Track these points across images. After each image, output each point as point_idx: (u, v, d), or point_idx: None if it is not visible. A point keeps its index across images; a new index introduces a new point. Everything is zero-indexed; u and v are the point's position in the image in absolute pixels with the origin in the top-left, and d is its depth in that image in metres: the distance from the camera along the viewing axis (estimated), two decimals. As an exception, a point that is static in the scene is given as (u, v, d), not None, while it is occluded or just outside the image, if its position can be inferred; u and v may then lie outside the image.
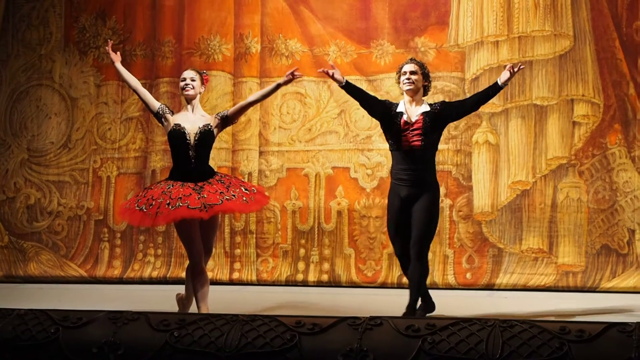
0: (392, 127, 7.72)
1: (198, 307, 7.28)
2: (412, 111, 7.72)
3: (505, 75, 7.60)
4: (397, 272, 9.99)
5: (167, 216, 7.26)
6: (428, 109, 7.73)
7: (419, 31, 10.22)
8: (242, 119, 10.58)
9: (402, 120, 7.68)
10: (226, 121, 7.62)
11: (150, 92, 10.57)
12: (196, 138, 7.42)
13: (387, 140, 7.88)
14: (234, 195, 7.36)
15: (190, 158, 7.43)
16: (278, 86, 7.72)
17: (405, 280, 9.76)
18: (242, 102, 7.76)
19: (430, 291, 8.12)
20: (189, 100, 7.57)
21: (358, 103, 8.00)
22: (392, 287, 9.98)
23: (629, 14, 9.62)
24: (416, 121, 7.66)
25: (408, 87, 7.72)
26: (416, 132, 7.64)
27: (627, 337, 4.23)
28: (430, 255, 9.76)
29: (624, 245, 9.51)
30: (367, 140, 10.29)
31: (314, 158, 10.44)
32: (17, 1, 11.47)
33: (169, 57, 10.93)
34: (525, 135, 9.80)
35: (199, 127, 7.44)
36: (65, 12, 11.34)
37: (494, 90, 7.69)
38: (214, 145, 7.68)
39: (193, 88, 7.56)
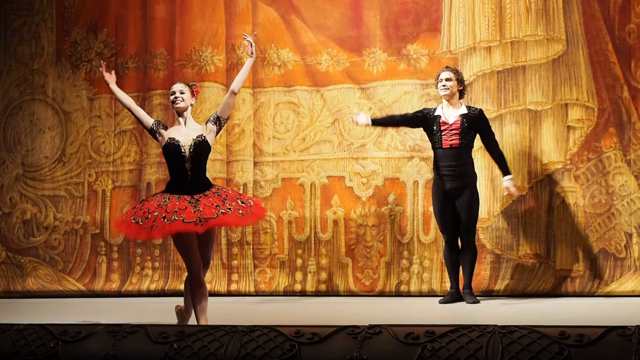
0: (433, 128, 8.99)
1: (197, 320, 7.27)
2: (449, 113, 9.01)
3: (510, 188, 9.05)
4: (394, 280, 9.98)
5: (162, 230, 7.25)
6: (466, 111, 9.02)
7: (411, 38, 10.21)
8: (236, 129, 10.59)
9: (441, 122, 8.96)
10: (219, 121, 7.59)
11: (144, 105, 10.69)
12: (191, 150, 7.40)
13: (429, 139, 9.12)
14: (229, 209, 7.33)
15: (187, 170, 7.41)
16: (248, 62, 7.75)
17: (403, 288, 9.87)
18: (225, 96, 7.72)
19: (428, 298, 8.17)
20: (180, 113, 7.55)
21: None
22: (390, 295, 9.96)
23: (621, 17, 9.61)
24: (454, 122, 8.93)
25: (444, 92, 9.04)
26: (454, 132, 8.92)
27: (627, 341, 4.23)
28: (427, 263, 9.83)
29: (622, 249, 9.50)
30: (362, 149, 10.27)
31: (309, 167, 10.43)
32: (9, 16, 11.47)
33: (161, 69, 10.93)
34: (520, 140, 9.79)
35: (193, 139, 7.43)
36: (57, 26, 11.33)
37: (502, 171, 9.11)
38: (209, 156, 7.66)
39: (183, 100, 7.54)
